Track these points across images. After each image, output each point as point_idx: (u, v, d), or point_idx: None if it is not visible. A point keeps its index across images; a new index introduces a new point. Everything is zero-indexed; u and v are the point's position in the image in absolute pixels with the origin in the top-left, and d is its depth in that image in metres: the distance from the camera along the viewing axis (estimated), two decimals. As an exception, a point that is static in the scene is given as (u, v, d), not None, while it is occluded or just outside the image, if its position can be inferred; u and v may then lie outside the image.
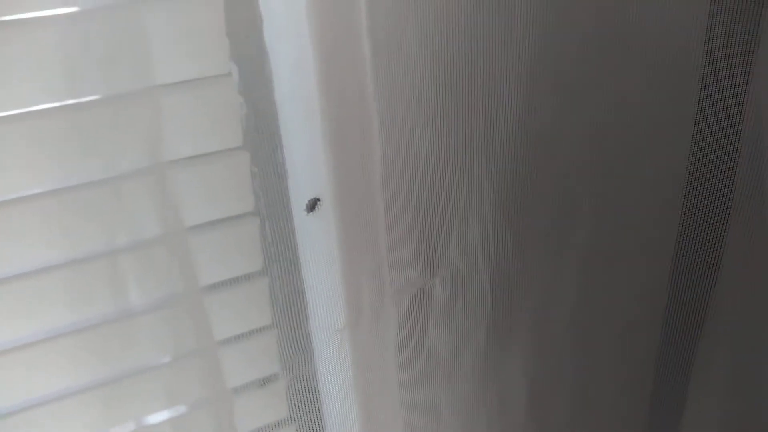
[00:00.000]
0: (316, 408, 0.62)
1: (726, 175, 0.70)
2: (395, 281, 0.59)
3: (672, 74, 0.64)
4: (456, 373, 0.66)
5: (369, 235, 0.56)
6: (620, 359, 0.78)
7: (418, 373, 0.64)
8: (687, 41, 0.63)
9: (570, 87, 0.59)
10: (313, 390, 0.61)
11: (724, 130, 0.68)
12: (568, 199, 0.65)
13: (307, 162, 0.52)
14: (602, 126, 0.63)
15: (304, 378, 0.60)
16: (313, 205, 0.53)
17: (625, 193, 0.68)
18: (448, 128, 0.55)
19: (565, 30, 0.57)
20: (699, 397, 0.82)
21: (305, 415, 0.62)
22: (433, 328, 0.63)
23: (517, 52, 0.55)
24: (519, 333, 0.69)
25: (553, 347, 0.72)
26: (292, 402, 0.60)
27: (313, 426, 0.62)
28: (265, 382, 0.58)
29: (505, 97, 0.56)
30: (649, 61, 0.62)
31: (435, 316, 0.62)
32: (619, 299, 0.74)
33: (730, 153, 0.69)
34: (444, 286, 0.62)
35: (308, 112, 0.50)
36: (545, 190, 0.63)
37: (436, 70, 0.53)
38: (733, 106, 0.67)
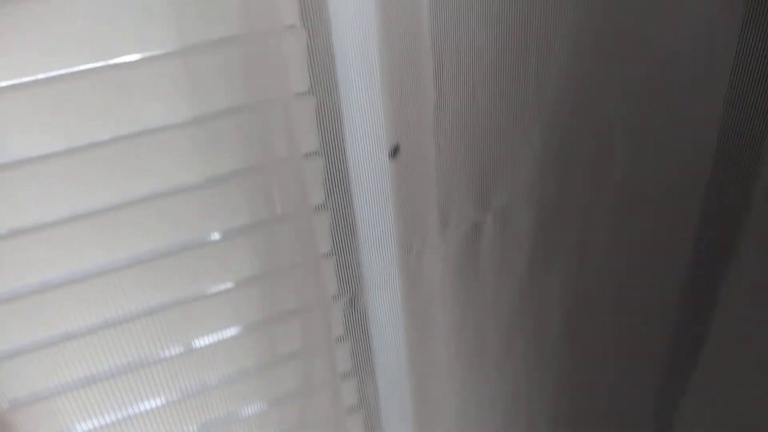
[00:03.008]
0: (366, 329, 0.66)
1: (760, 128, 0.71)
2: (454, 215, 0.63)
3: (711, 24, 0.65)
4: (501, 298, 0.71)
5: (425, 174, 0.60)
6: (648, 293, 0.82)
7: (469, 299, 0.69)
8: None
9: (612, 43, 0.62)
10: (363, 313, 0.65)
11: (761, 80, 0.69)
12: (607, 143, 0.68)
13: (364, 104, 0.54)
14: (641, 78, 0.65)
15: (357, 301, 0.64)
16: (395, 150, 0.56)
17: (660, 137, 0.70)
18: (503, 81, 0.59)
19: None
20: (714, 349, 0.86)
21: (356, 334, 0.65)
22: (483, 257, 0.67)
23: (567, 13, 0.58)
24: (557, 263, 0.73)
25: (588, 277, 0.76)
26: (347, 322, 0.65)
27: (363, 345, 0.66)
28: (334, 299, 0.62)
29: (554, 53, 0.60)
30: (689, 15, 0.63)
31: (486, 247, 0.67)
32: (649, 235, 0.77)
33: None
34: (494, 220, 0.66)
35: (366, 57, 0.52)
36: (587, 133, 0.66)
37: (495, 32, 0.56)
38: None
